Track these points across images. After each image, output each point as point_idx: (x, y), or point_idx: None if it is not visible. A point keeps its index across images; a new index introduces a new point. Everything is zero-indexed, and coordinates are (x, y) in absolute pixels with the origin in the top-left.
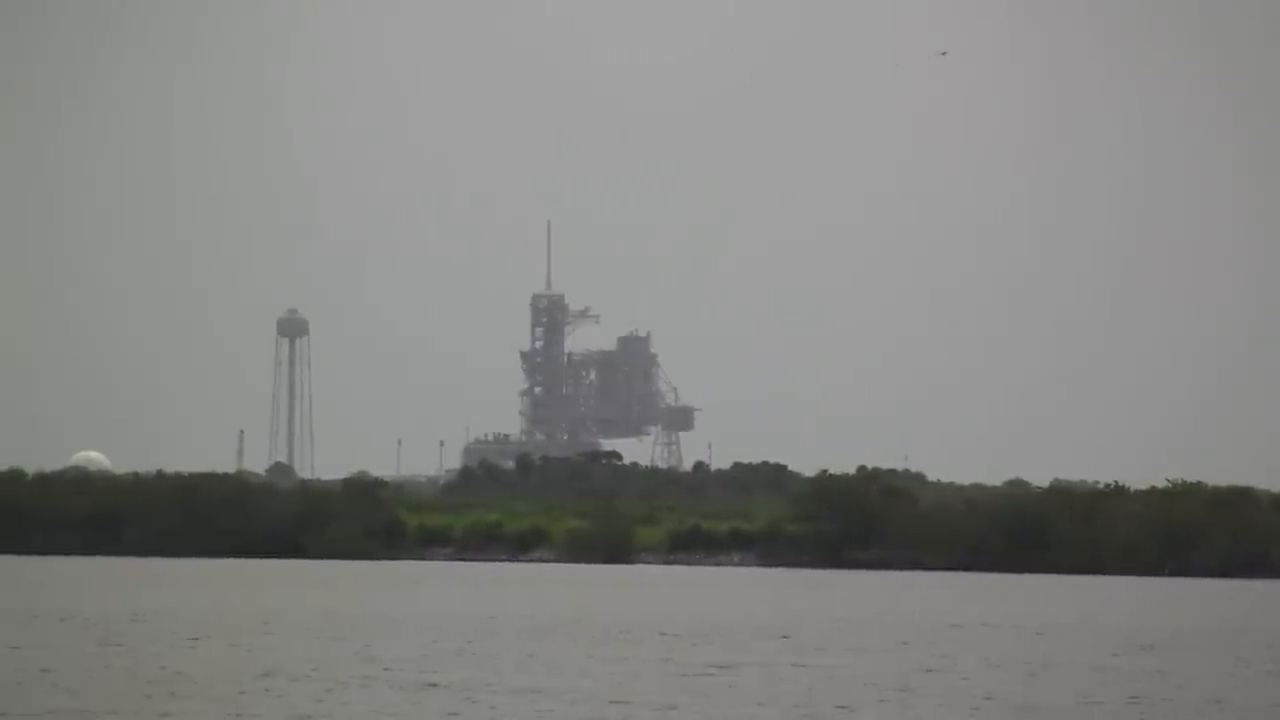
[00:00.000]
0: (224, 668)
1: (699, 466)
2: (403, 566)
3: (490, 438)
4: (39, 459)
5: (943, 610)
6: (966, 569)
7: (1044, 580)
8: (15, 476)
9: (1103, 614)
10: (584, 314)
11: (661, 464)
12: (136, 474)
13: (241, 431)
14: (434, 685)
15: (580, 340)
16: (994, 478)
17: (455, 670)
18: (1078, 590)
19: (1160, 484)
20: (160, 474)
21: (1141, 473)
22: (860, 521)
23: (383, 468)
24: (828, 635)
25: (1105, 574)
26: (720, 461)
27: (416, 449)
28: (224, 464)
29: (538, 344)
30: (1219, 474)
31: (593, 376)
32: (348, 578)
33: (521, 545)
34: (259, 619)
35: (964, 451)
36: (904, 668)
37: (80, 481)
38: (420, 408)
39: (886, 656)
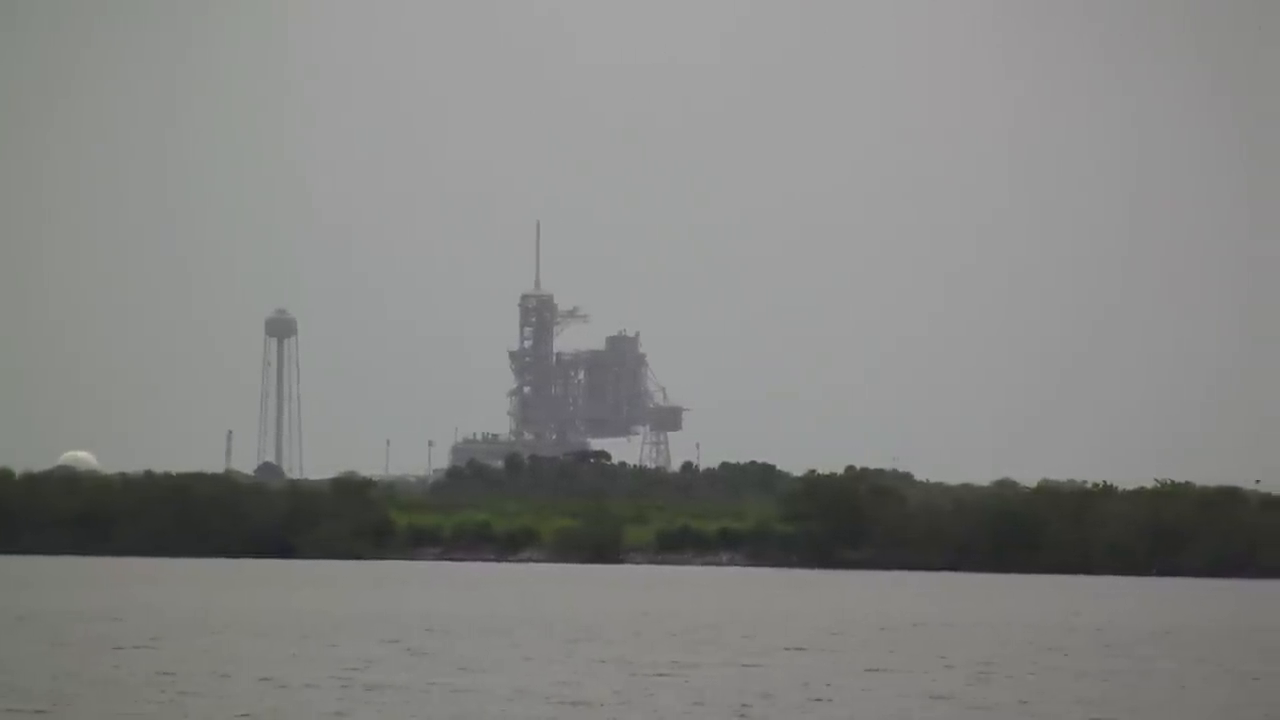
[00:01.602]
0: (164, 668)
1: (687, 466)
2: (391, 566)
3: (479, 437)
4: (27, 459)
5: (916, 610)
6: (955, 569)
7: (1031, 580)
8: (4, 476)
9: (1076, 614)
10: (573, 314)
11: (650, 464)
12: (125, 474)
13: (230, 432)
14: (372, 686)
15: (569, 340)
16: (982, 478)
17: (399, 670)
18: (1062, 590)
19: (1149, 484)
20: (149, 474)
21: (1130, 473)
22: (849, 521)
23: (372, 467)
24: (776, 634)
25: (1094, 574)
26: (709, 461)
27: (405, 449)
28: (212, 464)
29: (526, 344)
30: (1207, 474)
31: (581, 376)
32: (332, 578)
33: (510, 545)
34: (225, 619)
35: (952, 451)
36: (849, 666)
37: (69, 481)
38: (409, 407)
39: (833, 655)
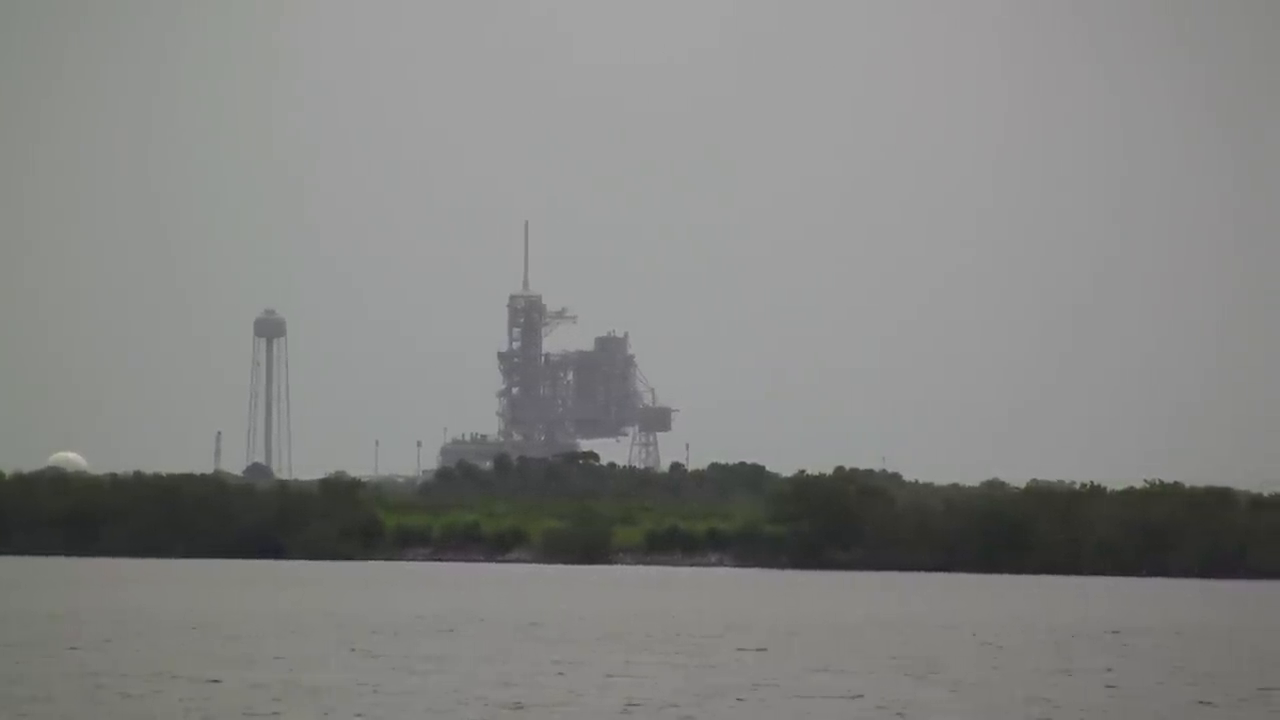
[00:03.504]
0: (106, 668)
1: (676, 467)
2: (379, 567)
3: (468, 438)
4: (16, 460)
5: (891, 611)
6: (945, 569)
7: (1019, 580)
8: None
9: (1045, 613)
10: (561, 315)
11: (639, 464)
12: (114, 475)
13: (219, 432)
14: (300, 685)
15: (557, 341)
16: (971, 478)
17: (330, 670)
18: (1048, 590)
19: (1138, 484)
20: (138, 475)
21: (1119, 473)
22: (838, 522)
23: (360, 468)
24: (738, 635)
25: (1083, 574)
26: (697, 462)
27: (394, 449)
28: (201, 465)
29: (515, 344)
30: (1197, 474)
31: (570, 377)
32: (319, 579)
33: (499, 546)
34: (197, 619)
35: (941, 452)
36: (799, 667)
37: (59, 482)
38: (398, 408)
39: (786, 657)
